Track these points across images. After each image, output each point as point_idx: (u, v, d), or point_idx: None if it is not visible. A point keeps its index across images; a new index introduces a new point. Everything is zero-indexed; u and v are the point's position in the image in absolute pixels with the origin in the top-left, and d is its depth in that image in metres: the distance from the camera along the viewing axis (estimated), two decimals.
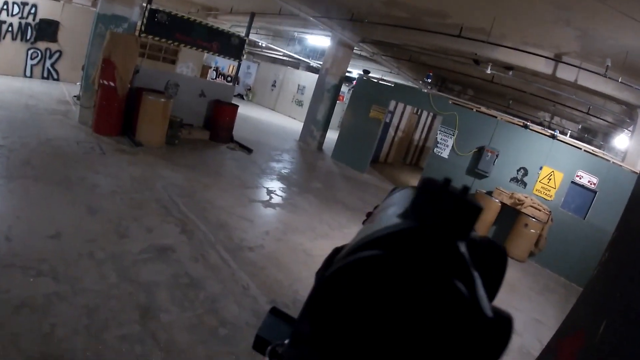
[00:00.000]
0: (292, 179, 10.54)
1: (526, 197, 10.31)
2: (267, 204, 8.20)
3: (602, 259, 2.81)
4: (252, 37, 24.58)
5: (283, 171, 10.98)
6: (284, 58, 28.80)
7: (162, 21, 9.92)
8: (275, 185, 9.56)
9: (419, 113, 19.84)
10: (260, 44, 25.92)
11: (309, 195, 9.56)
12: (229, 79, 26.93)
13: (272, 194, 8.82)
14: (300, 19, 13.61)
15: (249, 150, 11.82)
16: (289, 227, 7.21)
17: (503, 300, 7.18)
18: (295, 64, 29.01)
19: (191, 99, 11.48)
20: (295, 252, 6.18)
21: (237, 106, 12.33)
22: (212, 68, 26.47)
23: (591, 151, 10.57)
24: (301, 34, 19.49)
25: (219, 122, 11.86)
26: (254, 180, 9.50)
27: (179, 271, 4.84)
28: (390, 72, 22.21)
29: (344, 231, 7.65)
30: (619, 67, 9.35)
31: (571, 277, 9.95)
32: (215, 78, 26.74)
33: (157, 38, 10.20)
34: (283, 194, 9.07)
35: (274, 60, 31.30)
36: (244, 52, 12.32)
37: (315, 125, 15.57)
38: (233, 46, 11.91)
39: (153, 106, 9.44)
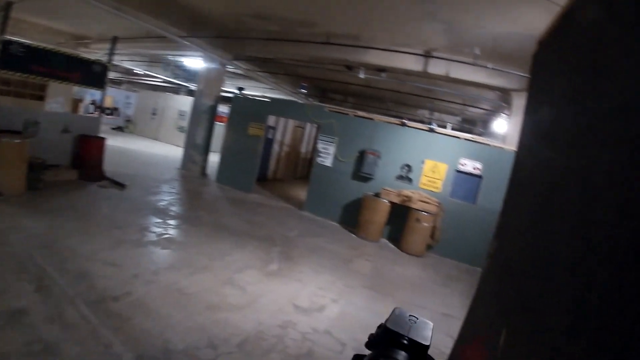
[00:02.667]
0: (170, 210, 9.70)
1: (413, 193, 10.48)
2: (138, 242, 7.30)
3: (490, 250, 2.53)
4: (127, 64, 23.63)
5: (160, 204, 10.09)
6: (165, 85, 27.76)
7: (16, 53, 8.98)
8: (149, 220, 8.66)
9: (303, 126, 19.80)
10: (136, 71, 24.85)
11: (188, 225, 8.85)
12: (108, 111, 25.75)
13: (144, 231, 7.93)
14: (170, 42, 13.09)
15: (122, 186, 10.90)
16: (162, 265, 6.45)
17: (406, 300, 7.13)
18: (176, 90, 28.04)
19: (54, 136, 10.47)
20: (168, 293, 5.51)
21: (104, 138, 11.41)
22: (89, 101, 25.03)
23: (471, 139, 11.01)
24: (176, 57, 18.86)
25: (86, 158, 10.90)
26: (126, 218, 8.54)
27: (32, 337, 4.18)
28: (271, 89, 22.00)
29: (226, 259, 7.10)
30: (488, 55, 9.76)
31: (473, 262, 10.32)
32: (94, 112, 25.38)
33: (11, 72, 9.23)
34: (158, 229, 8.19)
35: (156, 88, 30.07)
36: (106, 79, 11.47)
37: (196, 149, 14.91)
38: (95, 74, 11.07)
39: (7, 148, 8.43)
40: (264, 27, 11.82)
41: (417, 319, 1.18)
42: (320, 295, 6.42)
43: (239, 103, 13.90)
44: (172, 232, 8.15)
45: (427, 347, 1.07)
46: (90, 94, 25.27)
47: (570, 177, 1.42)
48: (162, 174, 13.84)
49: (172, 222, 8.75)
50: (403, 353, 1.06)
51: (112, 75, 28.66)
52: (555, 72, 2.04)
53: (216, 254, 7.22)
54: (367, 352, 1.15)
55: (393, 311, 1.23)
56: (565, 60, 1.91)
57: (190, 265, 6.50)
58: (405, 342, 1.08)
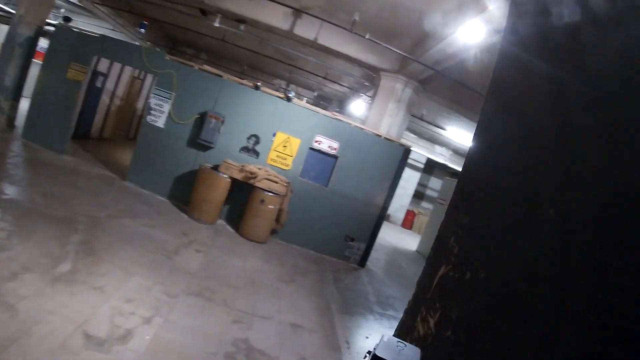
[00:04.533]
0: None
1: (260, 169, 9.02)
2: None
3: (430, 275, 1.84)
4: None
5: None
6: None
7: None
8: None
9: (142, 77, 17.01)
10: None
11: None
12: None
13: None
14: None
15: None
16: None
17: (245, 309, 5.58)
18: (6, 19, 23.00)
19: None
20: None
21: None
22: None
23: (331, 115, 10.01)
24: None
25: None
26: None
27: None
28: (113, 30, 18.85)
29: None
30: (367, 26, 8.63)
31: (320, 249, 9.76)
32: None
33: None
34: None
35: None
36: None
37: (3, 93, 11.14)
38: None
39: None
40: None
41: (405, 345, 1.15)
42: (128, 312, 4.41)
43: (61, 37, 10.62)
44: None
45: None
46: None
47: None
48: None
49: None
50: None
51: None
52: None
53: None
54: None
55: (381, 338, 1.24)
56: None
57: None
58: None
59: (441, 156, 23.00)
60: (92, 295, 4.52)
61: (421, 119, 15.25)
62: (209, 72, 9.66)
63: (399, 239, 16.66)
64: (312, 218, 9.69)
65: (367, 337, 6.35)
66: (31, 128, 10.44)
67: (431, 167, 24.76)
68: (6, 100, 11.24)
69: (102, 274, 5.06)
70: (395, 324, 6.92)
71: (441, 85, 10.84)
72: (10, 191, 6.87)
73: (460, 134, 16.65)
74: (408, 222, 21.87)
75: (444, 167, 23.97)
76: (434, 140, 21.58)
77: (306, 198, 9.64)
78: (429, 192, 25.98)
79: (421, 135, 21.02)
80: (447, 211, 1.96)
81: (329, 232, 9.75)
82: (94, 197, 8.10)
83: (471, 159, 2.10)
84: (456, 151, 22.32)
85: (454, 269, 1.58)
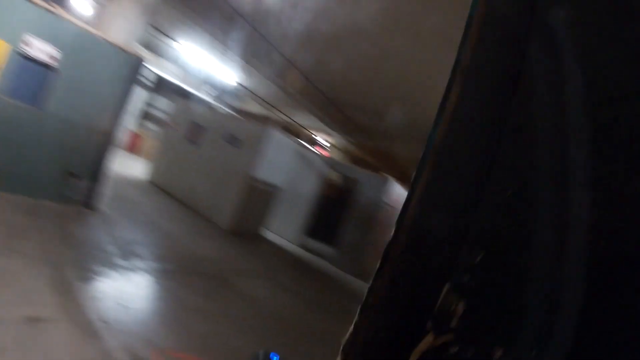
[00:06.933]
0: None
1: None
2: None
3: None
4: None
5: None
6: None
7: None
8: None
9: None
10: None
11: None
12: None
13: None
14: None
15: None
16: None
17: None
18: None
19: None
20: None
21: None
22: None
23: (50, 8, 7.19)
24: None
25: None
26: None
27: None
28: None
29: None
30: None
31: (35, 193, 7.32)
32: None
33: None
34: None
35: None
36: None
37: None
38: None
39: None
40: None
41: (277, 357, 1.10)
42: None
43: None
44: None
45: None
46: None
47: None
48: None
49: None
50: None
51: None
52: None
53: None
54: None
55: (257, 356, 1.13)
56: None
57: None
58: None
59: (172, 74, 20.84)
60: None
61: (157, 29, 13.17)
62: None
63: (125, 167, 14.52)
64: (20, 153, 7.14)
65: (120, 304, 4.90)
66: None
67: (158, 86, 22.28)
68: None
69: None
70: (146, 278, 5.76)
71: None
72: None
73: (194, 50, 15.34)
74: (133, 146, 19.73)
75: (173, 87, 21.79)
76: (162, 54, 19.43)
77: (12, 125, 6.97)
78: (156, 112, 23.55)
79: (149, 47, 18.52)
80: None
81: (45, 169, 7.43)
82: None
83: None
84: (188, 70, 20.55)
85: (456, 344, 0.82)
